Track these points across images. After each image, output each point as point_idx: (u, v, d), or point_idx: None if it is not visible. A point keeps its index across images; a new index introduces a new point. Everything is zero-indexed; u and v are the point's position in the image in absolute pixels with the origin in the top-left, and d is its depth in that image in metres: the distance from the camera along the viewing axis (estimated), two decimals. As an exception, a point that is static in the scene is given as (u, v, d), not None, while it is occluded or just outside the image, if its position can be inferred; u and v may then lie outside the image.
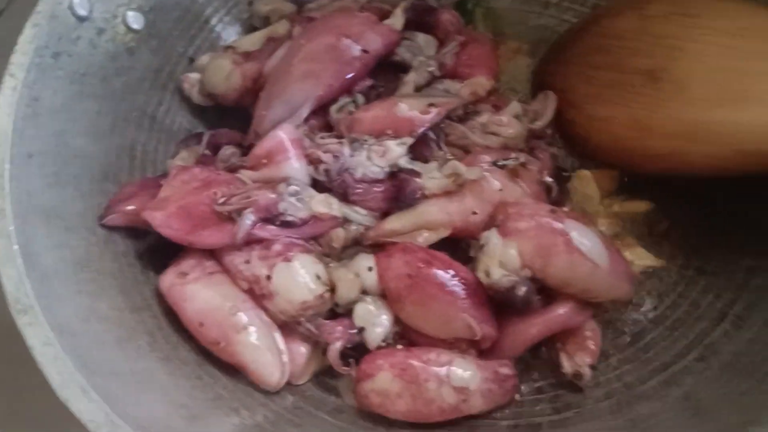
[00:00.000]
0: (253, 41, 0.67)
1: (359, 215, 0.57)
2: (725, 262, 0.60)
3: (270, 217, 0.54)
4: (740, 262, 0.59)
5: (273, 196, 0.54)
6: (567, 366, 0.55)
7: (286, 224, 0.55)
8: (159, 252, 0.59)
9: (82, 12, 0.57)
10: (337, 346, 0.54)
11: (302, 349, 0.56)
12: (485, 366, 0.54)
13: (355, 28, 0.61)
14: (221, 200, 0.55)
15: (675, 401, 0.52)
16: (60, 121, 0.56)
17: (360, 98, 0.61)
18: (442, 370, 0.52)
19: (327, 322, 0.55)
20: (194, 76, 0.67)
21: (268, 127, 0.59)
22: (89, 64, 0.59)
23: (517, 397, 0.56)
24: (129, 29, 0.62)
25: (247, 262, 0.54)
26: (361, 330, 0.55)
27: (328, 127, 0.61)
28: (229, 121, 0.68)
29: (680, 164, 0.57)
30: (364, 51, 0.60)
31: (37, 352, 0.43)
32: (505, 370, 0.54)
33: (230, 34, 0.72)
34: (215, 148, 0.64)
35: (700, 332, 0.57)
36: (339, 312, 0.56)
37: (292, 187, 0.55)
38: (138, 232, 0.58)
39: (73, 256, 0.52)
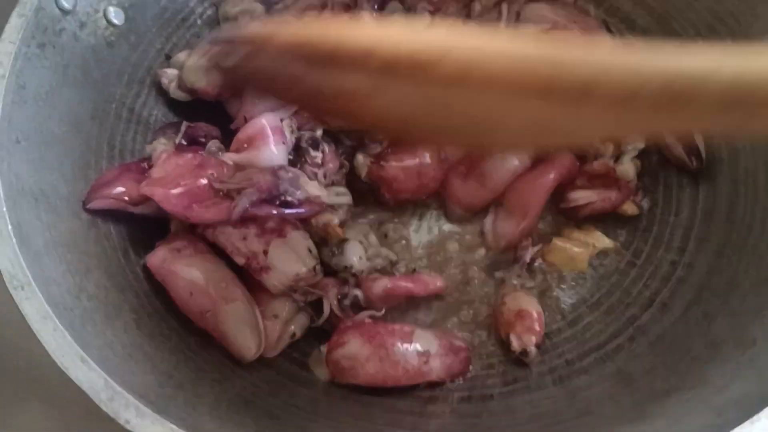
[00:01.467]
0: (227, 40, 0.69)
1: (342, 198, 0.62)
2: (653, 257, 0.65)
3: (269, 198, 0.57)
4: (665, 257, 0.64)
5: (273, 178, 0.57)
6: (515, 344, 0.59)
7: (285, 204, 0.57)
8: (139, 236, 0.61)
9: (66, 5, 0.58)
10: (333, 293, 0.60)
11: (274, 326, 0.59)
12: (441, 336, 0.59)
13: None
14: (221, 180, 0.57)
15: (609, 374, 0.56)
16: (44, 108, 0.56)
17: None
18: (406, 337, 0.57)
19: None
20: (172, 71, 0.68)
21: (257, 115, 0.62)
22: (72, 55, 0.60)
23: (470, 373, 0.60)
24: (109, 24, 0.64)
25: (244, 239, 0.57)
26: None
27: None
28: (202, 116, 0.69)
29: None
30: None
31: (36, 326, 0.44)
32: (458, 342, 0.60)
33: (206, 33, 0.73)
34: (190, 138, 0.66)
35: (630, 316, 0.61)
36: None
37: (290, 173, 0.58)
38: (120, 217, 0.59)
39: (60, 238, 0.53)
